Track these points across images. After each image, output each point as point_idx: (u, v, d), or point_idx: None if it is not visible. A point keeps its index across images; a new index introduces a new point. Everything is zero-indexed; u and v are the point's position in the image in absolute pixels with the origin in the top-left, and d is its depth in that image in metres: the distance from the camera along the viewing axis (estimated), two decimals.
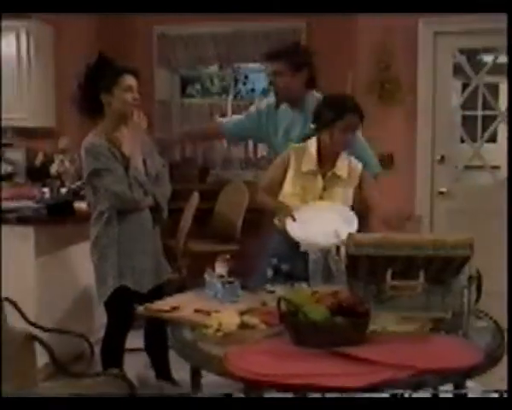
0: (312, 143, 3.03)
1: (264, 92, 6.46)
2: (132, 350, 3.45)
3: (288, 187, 3.03)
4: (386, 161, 4.75)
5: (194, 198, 4.44)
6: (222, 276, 2.70)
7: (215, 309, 2.36)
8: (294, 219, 2.89)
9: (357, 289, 2.30)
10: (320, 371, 1.90)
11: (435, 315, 2.32)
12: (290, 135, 3.39)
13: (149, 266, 3.16)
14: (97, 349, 3.13)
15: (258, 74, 7.06)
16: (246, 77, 7.65)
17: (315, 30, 5.43)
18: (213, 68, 6.36)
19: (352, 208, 3.01)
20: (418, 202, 4.78)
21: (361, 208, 3.03)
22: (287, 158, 3.06)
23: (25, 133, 5.32)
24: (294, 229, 2.86)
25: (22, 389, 2.19)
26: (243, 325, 2.24)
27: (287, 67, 3.25)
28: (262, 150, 5.69)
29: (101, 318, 3.43)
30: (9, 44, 4.94)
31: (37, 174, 4.91)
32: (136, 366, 3.52)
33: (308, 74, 3.34)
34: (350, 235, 2.22)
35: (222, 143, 5.67)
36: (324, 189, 3.01)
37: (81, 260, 3.69)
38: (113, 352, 3.18)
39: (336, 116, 2.88)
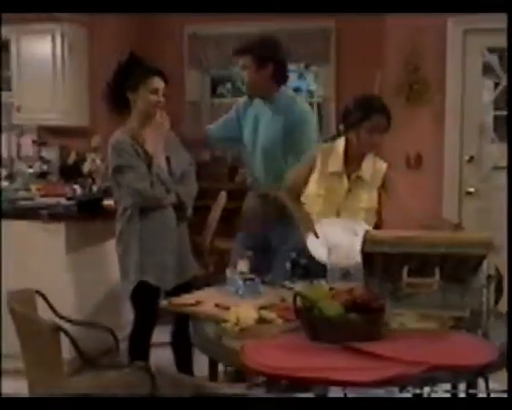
0: (340, 144, 3.02)
1: (296, 91, 6.49)
2: (159, 345, 3.54)
3: (312, 187, 3.04)
4: (414, 162, 4.77)
5: (222, 197, 4.51)
6: (243, 273, 2.77)
7: (235, 304, 2.42)
8: (317, 236, 2.90)
9: (374, 286, 2.34)
10: (333, 365, 1.93)
11: (453, 314, 2.33)
12: (258, 131, 3.38)
13: (172, 264, 3.20)
14: (125, 346, 3.20)
15: (289, 74, 7.06)
16: None
17: (344, 30, 5.45)
18: None
19: (378, 211, 3.04)
20: (446, 202, 4.77)
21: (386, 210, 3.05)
22: (313, 158, 3.07)
23: (59, 132, 5.46)
24: (316, 248, 2.85)
25: (48, 377, 2.27)
26: (261, 320, 2.29)
27: (251, 62, 3.24)
28: None
29: (128, 314, 3.51)
30: (45, 47, 5.08)
31: (70, 172, 5.04)
32: (163, 360, 3.60)
33: (274, 69, 3.31)
34: (366, 232, 2.26)
35: None
36: (349, 190, 3.00)
37: (110, 256, 3.78)
38: (139, 346, 3.24)
39: (363, 116, 2.88)
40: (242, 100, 3.51)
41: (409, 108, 4.76)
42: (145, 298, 3.17)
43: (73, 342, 2.22)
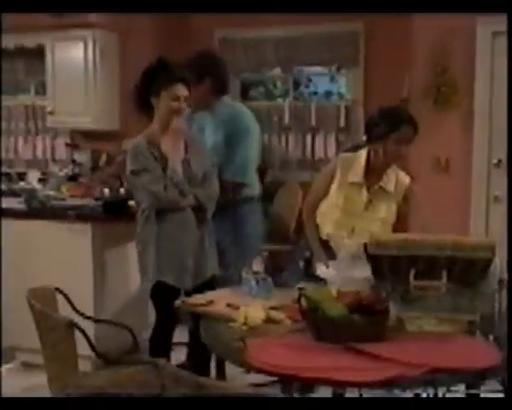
0: (362, 155, 3.02)
1: (328, 95, 6.52)
2: (182, 345, 3.62)
3: (331, 198, 3.06)
4: (441, 165, 4.74)
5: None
6: (257, 273, 2.81)
7: (245, 304, 2.46)
8: (327, 267, 2.90)
9: (383, 288, 2.36)
10: (336, 365, 1.97)
11: (463, 317, 2.34)
12: (205, 142, 3.55)
13: (191, 264, 3.24)
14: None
15: (321, 77, 7.11)
16: (309, 79, 7.70)
17: (372, 32, 5.45)
18: (277, 71, 6.48)
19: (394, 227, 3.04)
20: (474, 205, 4.72)
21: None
22: (333, 168, 3.09)
23: (91, 136, 5.60)
24: (324, 273, 2.85)
25: (63, 372, 2.36)
26: (269, 320, 2.34)
27: (190, 78, 3.30)
28: (319, 152, 5.76)
29: (153, 315, 3.58)
30: (77, 52, 5.23)
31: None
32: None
33: (211, 83, 3.46)
34: (372, 235, 2.28)
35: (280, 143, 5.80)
36: (369, 201, 3.00)
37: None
38: (159, 346, 3.28)
39: (391, 128, 2.88)
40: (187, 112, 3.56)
41: (436, 110, 4.74)
42: (164, 298, 3.19)
43: (87, 338, 2.29)
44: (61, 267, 3.85)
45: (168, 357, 3.26)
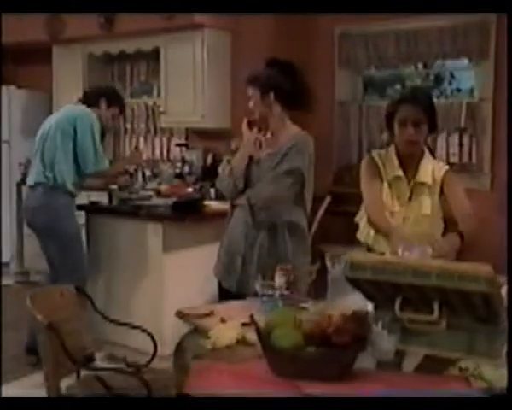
0: (392, 150, 2.79)
1: (472, 92, 5.92)
2: None
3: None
4: None
5: (326, 201, 4.34)
6: (273, 286, 2.60)
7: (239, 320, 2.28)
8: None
9: (381, 315, 2.04)
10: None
11: (478, 360, 1.94)
12: None
13: (236, 266, 3.10)
14: None
15: (464, 72, 6.52)
16: (452, 75, 7.11)
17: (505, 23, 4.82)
18: (413, 67, 6.06)
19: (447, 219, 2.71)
20: None
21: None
22: (373, 166, 2.82)
23: (204, 135, 5.66)
24: None
25: (48, 374, 2.37)
26: (241, 341, 2.14)
27: None
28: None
29: None
30: (187, 53, 5.28)
31: (209, 174, 5.19)
32: None
33: None
34: (347, 255, 1.97)
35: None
36: (410, 197, 2.75)
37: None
38: None
39: (393, 110, 2.68)
40: None
41: None
42: (221, 298, 3.15)
43: (62, 343, 2.28)
44: (132, 267, 3.93)
45: None
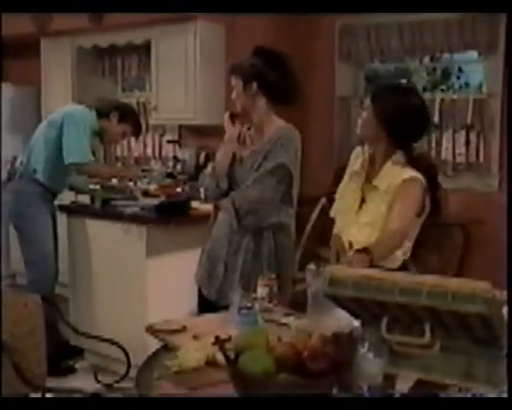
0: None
1: (480, 87, 5.65)
2: None
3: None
4: None
5: (321, 203, 4.11)
6: (253, 298, 2.37)
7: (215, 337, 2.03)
8: None
9: (368, 335, 1.79)
10: None
11: (474, 387, 1.69)
12: None
13: (219, 272, 2.87)
14: None
15: (473, 66, 6.25)
16: (460, 70, 6.86)
17: None
18: (424, 61, 5.83)
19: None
20: None
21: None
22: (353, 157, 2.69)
23: (197, 132, 5.42)
24: None
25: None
26: (211, 362, 1.90)
27: None
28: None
29: None
30: (178, 46, 5.04)
31: (200, 173, 4.95)
32: None
33: None
34: (327, 269, 1.72)
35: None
36: (362, 201, 2.50)
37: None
38: None
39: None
40: None
41: None
42: (200, 305, 2.95)
43: (14, 362, 2.05)
44: (113, 270, 3.71)
45: None
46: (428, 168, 2.53)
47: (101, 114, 4.01)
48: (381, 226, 2.36)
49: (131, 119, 4.10)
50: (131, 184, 4.31)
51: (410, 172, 2.42)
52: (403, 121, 2.44)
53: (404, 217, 2.35)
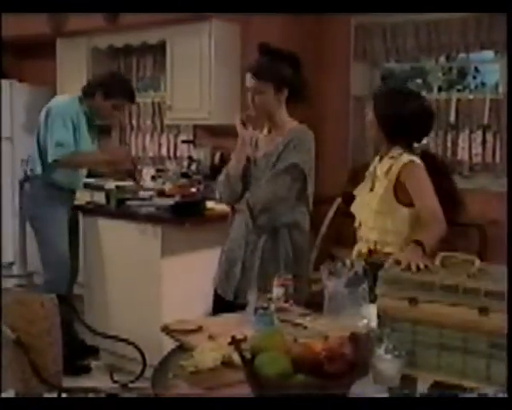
0: None
1: (497, 87, 5.60)
2: None
3: None
4: None
5: (336, 203, 4.09)
6: (269, 298, 2.36)
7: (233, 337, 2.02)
8: None
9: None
10: None
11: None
12: None
13: (237, 272, 2.86)
14: None
15: (489, 66, 6.18)
16: (476, 69, 6.77)
17: None
18: (440, 60, 5.78)
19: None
20: None
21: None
22: None
23: (212, 132, 5.42)
24: None
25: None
26: (227, 362, 1.89)
27: None
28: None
29: None
30: (193, 46, 5.04)
31: (217, 173, 4.93)
32: None
33: None
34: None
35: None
36: (370, 190, 2.62)
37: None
38: None
39: None
40: None
41: None
42: (215, 306, 2.94)
43: (30, 359, 2.05)
44: (129, 270, 3.71)
45: None
46: (432, 163, 2.58)
47: (87, 95, 3.92)
48: (376, 208, 2.50)
49: (118, 91, 3.91)
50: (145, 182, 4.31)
51: (408, 157, 2.50)
52: (400, 123, 2.51)
53: (430, 200, 2.40)
